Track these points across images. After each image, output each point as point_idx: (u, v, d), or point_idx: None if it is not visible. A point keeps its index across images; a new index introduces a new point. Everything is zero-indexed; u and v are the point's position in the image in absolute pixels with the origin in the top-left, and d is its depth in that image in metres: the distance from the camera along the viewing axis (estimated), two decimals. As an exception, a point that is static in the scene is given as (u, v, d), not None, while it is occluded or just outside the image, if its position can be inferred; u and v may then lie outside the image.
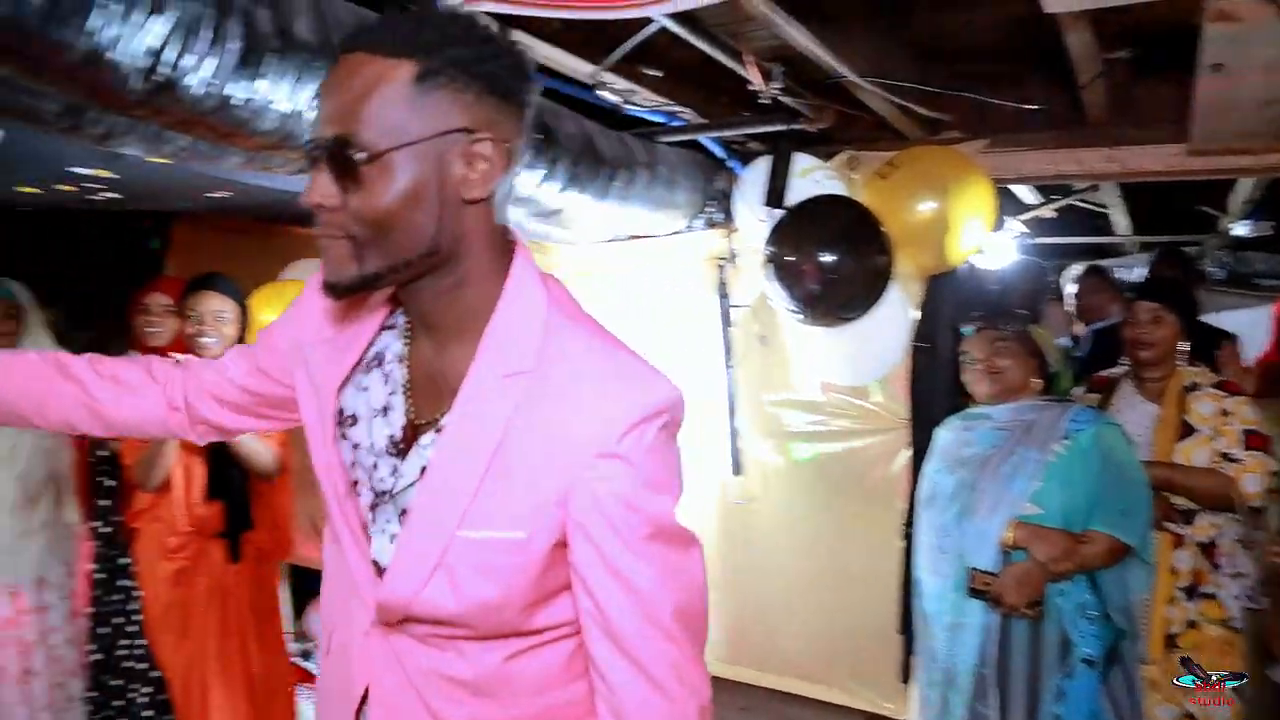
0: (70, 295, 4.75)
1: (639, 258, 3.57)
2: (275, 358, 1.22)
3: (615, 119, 2.83)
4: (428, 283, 0.99)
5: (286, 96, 1.68)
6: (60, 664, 3.62)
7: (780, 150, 3.01)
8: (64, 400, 1.26)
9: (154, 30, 1.44)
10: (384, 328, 1.10)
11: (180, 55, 1.49)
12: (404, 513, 1.02)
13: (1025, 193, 4.68)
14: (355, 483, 1.07)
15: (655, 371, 1.00)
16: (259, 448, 2.72)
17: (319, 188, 0.92)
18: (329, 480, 1.08)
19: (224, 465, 2.73)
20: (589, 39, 2.39)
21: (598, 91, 2.59)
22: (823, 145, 3.21)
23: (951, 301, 3.08)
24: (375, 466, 1.06)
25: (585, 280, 3.75)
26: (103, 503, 3.34)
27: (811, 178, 3.05)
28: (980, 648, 2.21)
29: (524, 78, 0.97)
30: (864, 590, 3.31)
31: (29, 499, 3.47)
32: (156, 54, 1.46)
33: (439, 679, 1.02)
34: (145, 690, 3.30)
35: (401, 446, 1.05)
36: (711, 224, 3.40)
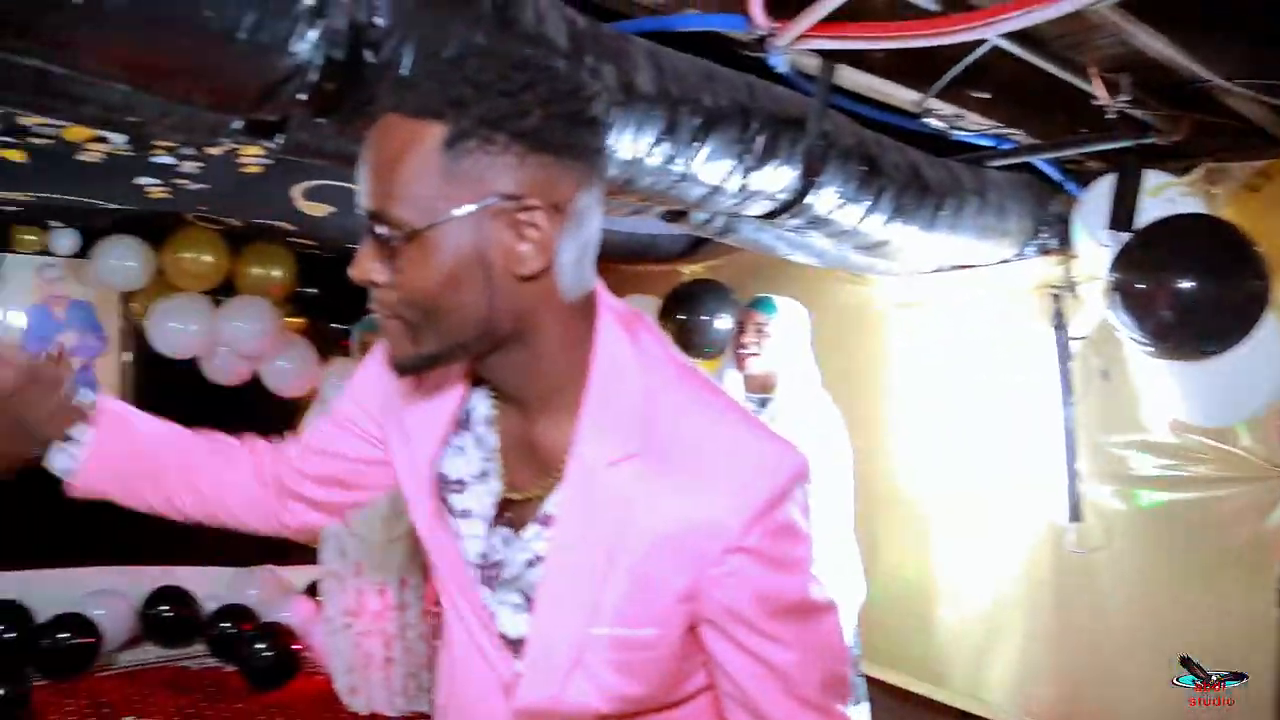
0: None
1: (966, 288, 3.40)
2: (355, 424, 1.14)
3: (940, 145, 2.73)
4: (497, 359, 0.90)
5: (629, 145, 1.80)
6: (414, 655, 4.07)
7: (1127, 167, 2.75)
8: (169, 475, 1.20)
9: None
10: (473, 383, 1.02)
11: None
12: (526, 597, 0.96)
13: None
14: (462, 545, 1.01)
15: (774, 440, 0.91)
16: None
17: (364, 263, 0.86)
18: (436, 547, 1.01)
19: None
20: (915, 66, 2.34)
21: (923, 119, 2.53)
22: (1175, 160, 2.89)
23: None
24: (484, 535, 0.99)
25: (908, 313, 3.64)
26: (454, 514, 3.74)
27: (1164, 195, 2.75)
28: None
29: (585, 124, 0.85)
30: (1229, 667, 2.89)
31: (397, 510, 3.96)
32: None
33: None
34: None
35: (506, 518, 0.98)
36: (1045, 251, 3.17)
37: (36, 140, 2.84)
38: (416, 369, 0.90)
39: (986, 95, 2.59)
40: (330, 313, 5.16)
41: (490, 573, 0.99)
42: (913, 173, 2.42)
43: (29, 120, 2.59)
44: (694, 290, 3.74)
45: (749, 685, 0.92)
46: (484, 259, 0.82)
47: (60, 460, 1.14)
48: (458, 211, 0.80)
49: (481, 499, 1.00)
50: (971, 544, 3.53)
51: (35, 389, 1.11)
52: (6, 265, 4.83)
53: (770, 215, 2.24)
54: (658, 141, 1.83)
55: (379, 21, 1.42)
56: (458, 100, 0.80)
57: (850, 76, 2.25)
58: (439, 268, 0.81)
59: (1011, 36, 2.02)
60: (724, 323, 3.66)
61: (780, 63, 2.03)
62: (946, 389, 3.52)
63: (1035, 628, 3.37)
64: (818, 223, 2.28)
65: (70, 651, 4.19)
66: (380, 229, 0.83)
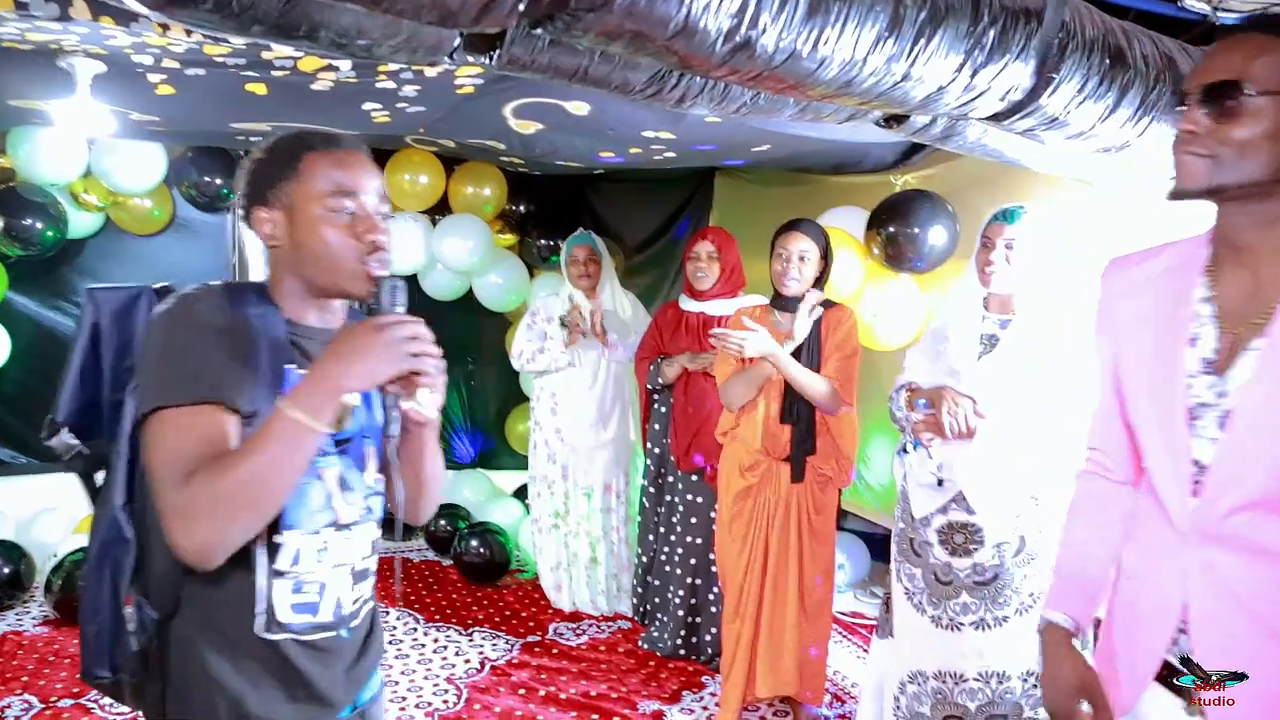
0: (629, 244, 5.44)
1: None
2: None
3: (1208, 34, 2.42)
4: (1250, 208, 1.22)
5: (848, 44, 1.70)
6: (617, 559, 4.23)
7: None
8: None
9: (737, -7, 1.54)
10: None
11: (758, 13, 1.58)
12: (1225, 417, 1.20)
13: None
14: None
15: None
16: (819, 384, 2.89)
17: (1196, 119, 1.21)
18: (1160, 410, 1.28)
19: (795, 394, 2.95)
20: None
21: (1181, 3, 2.24)
22: None
23: None
24: (1189, 387, 1.25)
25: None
26: (655, 426, 3.82)
27: None
28: None
29: None
30: None
31: (603, 418, 4.10)
32: (739, 15, 1.56)
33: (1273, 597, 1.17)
34: (679, 592, 3.73)
35: (1218, 365, 1.24)
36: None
37: (277, 73, 3.04)
38: (1198, 196, 1.23)
39: (1260, -30, 2.27)
40: (538, 229, 5.31)
41: (1193, 415, 1.25)
42: (1166, 64, 2.16)
43: (271, 55, 2.77)
44: (905, 201, 3.55)
45: None
46: None
47: None
48: None
49: (1190, 361, 1.27)
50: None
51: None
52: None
53: (998, 116, 2.07)
54: (879, 40, 1.72)
55: (597, -75, 1.39)
56: None
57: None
58: (1266, 123, 1.17)
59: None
60: (937, 236, 3.47)
61: (1017, -54, 1.85)
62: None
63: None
64: (1052, 123, 2.09)
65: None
66: (1227, 90, 1.18)
